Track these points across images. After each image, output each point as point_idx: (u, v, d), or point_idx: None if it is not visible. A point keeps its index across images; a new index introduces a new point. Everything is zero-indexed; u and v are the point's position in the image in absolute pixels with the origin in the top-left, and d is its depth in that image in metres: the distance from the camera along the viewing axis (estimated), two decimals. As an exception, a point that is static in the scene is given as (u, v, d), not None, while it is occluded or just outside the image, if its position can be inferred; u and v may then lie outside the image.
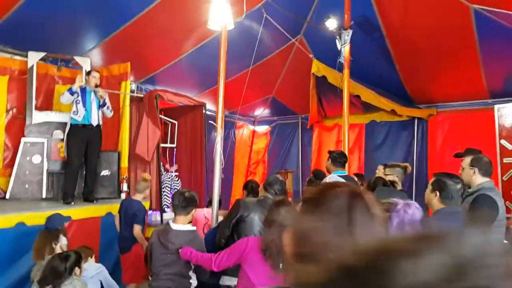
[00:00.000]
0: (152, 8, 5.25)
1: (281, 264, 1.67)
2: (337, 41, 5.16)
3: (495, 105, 6.14)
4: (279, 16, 6.07)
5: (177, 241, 2.83)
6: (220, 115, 3.95)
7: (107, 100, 4.97)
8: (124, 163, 5.43)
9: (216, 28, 4.04)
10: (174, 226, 2.92)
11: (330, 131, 8.65)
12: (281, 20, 6.17)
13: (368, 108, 7.64)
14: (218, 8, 3.86)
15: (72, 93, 4.69)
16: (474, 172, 3.02)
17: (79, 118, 4.70)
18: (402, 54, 6.51)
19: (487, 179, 3.02)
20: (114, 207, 4.65)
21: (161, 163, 6.00)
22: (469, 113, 7.02)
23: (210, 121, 4.99)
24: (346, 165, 4.20)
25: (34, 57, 5.10)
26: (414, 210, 1.60)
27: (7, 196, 4.86)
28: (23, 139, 4.99)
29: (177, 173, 6.14)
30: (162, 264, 2.86)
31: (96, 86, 4.85)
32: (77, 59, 5.41)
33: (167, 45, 6.25)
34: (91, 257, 3.55)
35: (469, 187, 3.02)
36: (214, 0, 3.93)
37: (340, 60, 5.13)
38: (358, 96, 7.13)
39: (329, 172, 4.14)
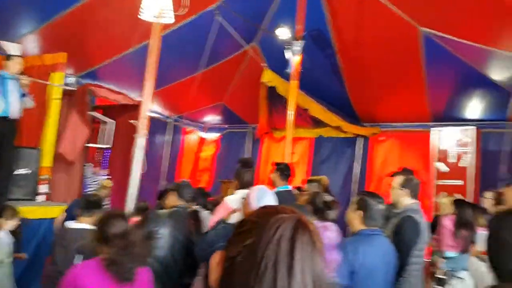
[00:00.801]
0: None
1: None
2: (285, 51, 5.02)
3: (431, 128, 6.29)
4: (234, 20, 5.89)
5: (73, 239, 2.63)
6: (143, 114, 3.60)
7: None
8: (46, 162, 4.94)
9: (148, 19, 3.69)
10: (72, 225, 2.66)
11: (279, 143, 8.54)
12: (235, 25, 5.99)
13: (318, 122, 7.63)
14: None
15: None
16: (404, 193, 2.95)
17: None
18: (352, 71, 6.54)
19: (414, 201, 2.99)
20: (24, 210, 4.10)
21: (90, 165, 5.55)
22: (410, 134, 7.19)
23: (130, 121, 4.61)
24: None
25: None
26: (332, 233, 1.43)
27: None
28: None
29: (108, 177, 5.67)
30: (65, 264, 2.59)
31: (22, 74, 4.36)
32: (4, 44, 4.88)
33: (112, 39, 5.86)
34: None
35: (395, 207, 2.97)
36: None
37: (287, 70, 4.99)
38: (306, 110, 7.08)
39: (274, 185, 3.96)
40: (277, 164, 3.96)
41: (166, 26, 5.77)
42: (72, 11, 5.02)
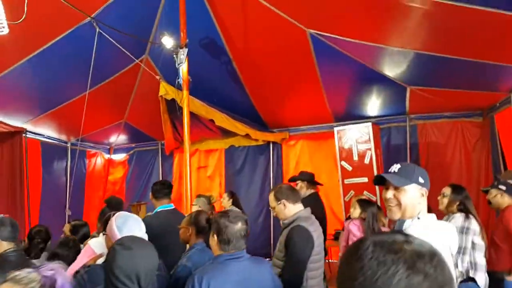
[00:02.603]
0: None
1: None
2: (175, 60, 4.80)
3: (334, 128, 6.40)
4: (117, 34, 5.53)
5: None
6: None
7: None
8: None
9: None
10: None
11: (191, 157, 8.20)
12: (121, 37, 5.64)
13: (227, 133, 7.48)
14: None
15: None
16: (284, 205, 2.77)
17: None
18: (250, 78, 6.48)
19: (299, 206, 2.82)
20: None
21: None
22: (317, 136, 7.33)
23: None
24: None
25: None
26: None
27: None
28: None
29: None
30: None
31: None
32: None
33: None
34: None
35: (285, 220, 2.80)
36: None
37: (178, 80, 4.76)
38: (212, 121, 6.90)
39: (155, 207, 3.66)
40: (154, 184, 3.67)
41: (41, 42, 5.34)
42: None
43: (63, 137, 7.56)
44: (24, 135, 5.41)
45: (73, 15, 5.00)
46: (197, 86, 6.17)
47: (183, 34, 4.82)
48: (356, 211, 4.15)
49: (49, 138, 7.25)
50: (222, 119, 6.88)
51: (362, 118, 6.92)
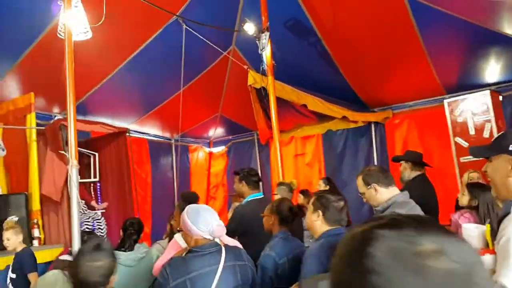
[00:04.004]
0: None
1: None
2: (258, 46, 4.63)
3: (445, 100, 5.60)
4: (202, 28, 5.56)
5: None
6: (72, 142, 3.29)
7: None
8: (35, 205, 4.80)
9: (75, 37, 3.41)
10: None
11: (287, 145, 8.08)
12: (207, 31, 5.66)
13: (322, 117, 7.13)
14: (68, 14, 3.23)
15: None
16: (375, 189, 2.40)
17: None
18: (343, 56, 6.02)
19: (394, 190, 2.42)
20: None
21: (86, 201, 5.37)
22: (425, 112, 6.53)
23: (60, 151, 4.35)
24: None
25: None
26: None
27: None
28: None
29: (103, 210, 5.47)
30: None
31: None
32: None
33: (86, 69, 5.69)
34: None
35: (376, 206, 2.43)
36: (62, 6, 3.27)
37: (262, 66, 4.58)
38: (305, 106, 6.61)
39: (243, 197, 3.54)
40: (238, 172, 3.54)
41: (136, 44, 5.61)
42: (35, 48, 4.89)
43: (167, 135, 7.98)
44: (127, 134, 5.76)
45: (160, 16, 5.14)
46: (286, 71, 5.97)
47: (264, 18, 4.62)
48: (464, 198, 3.37)
49: (154, 136, 7.72)
50: (316, 103, 6.54)
51: (479, 86, 5.94)
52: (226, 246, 2.15)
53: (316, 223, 2.17)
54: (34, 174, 4.86)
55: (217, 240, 2.11)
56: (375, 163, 7.02)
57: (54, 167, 4.66)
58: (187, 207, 2.20)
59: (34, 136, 4.89)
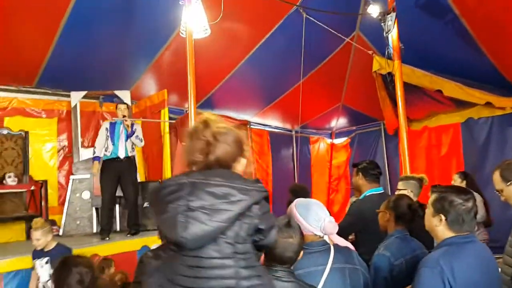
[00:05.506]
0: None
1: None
2: (383, 29, 4.24)
3: None
4: (326, 15, 5.34)
5: None
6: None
7: (138, 131, 4.83)
8: (168, 193, 5.26)
9: (195, 35, 3.50)
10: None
11: (420, 136, 7.35)
12: (328, 18, 5.42)
13: (461, 103, 6.27)
14: (190, 12, 3.33)
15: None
16: None
17: (108, 154, 4.68)
18: (487, 34, 5.16)
19: None
20: (150, 240, 4.47)
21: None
22: None
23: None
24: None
25: (76, 97, 5.32)
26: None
27: (60, 233, 5.04)
28: (71, 177, 5.18)
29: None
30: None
31: (124, 117, 4.76)
32: (117, 93, 5.49)
33: (213, 66, 5.98)
34: None
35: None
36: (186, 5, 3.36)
37: (388, 50, 4.19)
38: (440, 91, 5.89)
39: (361, 191, 3.27)
40: (357, 164, 3.26)
41: (256, 38, 5.68)
42: (166, 48, 5.31)
43: (288, 126, 8.00)
44: (248, 126, 5.91)
45: (280, 7, 5.09)
46: (416, 54, 5.42)
47: (390, -3, 4.18)
48: None
49: (275, 128, 7.80)
50: (453, 88, 5.76)
51: None
52: (336, 245, 1.97)
53: (438, 228, 1.84)
54: (167, 163, 5.32)
55: (326, 238, 1.94)
56: (529, 156, 5.92)
57: (183, 157, 5.01)
58: (296, 200, 2.07)
59: (167, 129, 5.34)
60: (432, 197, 1.89)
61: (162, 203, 1.31)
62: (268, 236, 1.41)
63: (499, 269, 2.03)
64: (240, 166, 1.44)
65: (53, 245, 3.48)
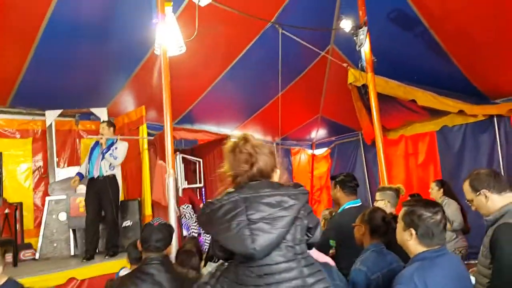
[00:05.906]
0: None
1: None
2: (356, 42, 4.34)
3: None
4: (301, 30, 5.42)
5: None
6: (169, 151, 3.37)
7: (119, 149, 4.77)
8: (148, 210, 5.19)
9: (169, 53, 3.51)
10: None
11: (397, 145, 7.50)
12: (304, 33, 5.51)
13: (436, 112, 6.44)
14: (164, 31, 3.34)
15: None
16: (485, 196, 2.08)
17: (87, 173, 4.62)
18: (456, 44, 5.36)
19: (509, 197, 2.07)
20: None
21: (193, 205, 5.66)
22: None
23: (159, 161, 4.44)
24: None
25: (51, 116, 5.24)
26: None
27: (37, 257, 4.90)
28: (47, 198, 5.07)
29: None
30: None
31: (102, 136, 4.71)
32: (94, 110, 5.43)
33: (191, 82, 5.98)
34: None
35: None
36: (159, 24, 3.38)
37: (361, 63, 4.28)
38: (414, 101, 6.03)
39: (339, 204, 3.30)
40: (334, 177, 3.29)
41: (233, 54, 5.72)
42: (143, 65, 5.30)
43: (269, 138, 8.03)
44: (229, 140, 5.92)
45: (256, 23, 5.15)
46: (389, 66, 5.53)
47: (362, 13, 4.31)
48: None
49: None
50: (426, 98, 5.92)
51: None
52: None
53: (410, 242, 1.87)
54: (146, 181, 5.26)
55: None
56: (500, 162, 6.11)
57: (162, 174, 4.96)
58: None
59: (146, 145, 5.30)
60: (402, 211, 1.93)
61: (221, 223, 1.36)
62: (315, 234, 1.50)
63: (473, 280, 2.07)
64: (276, 176, 1.52)
65: (3, 280, 2.73)
